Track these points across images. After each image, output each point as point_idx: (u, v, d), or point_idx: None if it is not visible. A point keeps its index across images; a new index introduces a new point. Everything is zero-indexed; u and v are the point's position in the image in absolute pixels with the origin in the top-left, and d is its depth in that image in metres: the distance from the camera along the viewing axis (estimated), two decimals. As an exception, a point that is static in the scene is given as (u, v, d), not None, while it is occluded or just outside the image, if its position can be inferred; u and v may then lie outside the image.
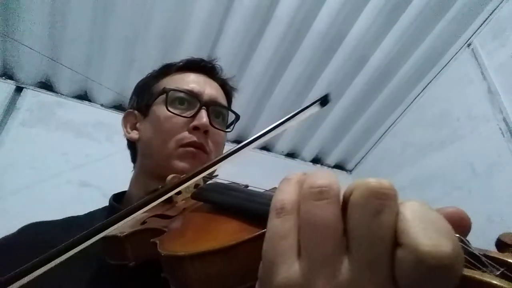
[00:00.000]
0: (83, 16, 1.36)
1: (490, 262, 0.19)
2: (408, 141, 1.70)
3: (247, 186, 0.54)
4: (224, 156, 0.35)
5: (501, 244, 0.21)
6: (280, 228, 0.20)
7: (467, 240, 0.20)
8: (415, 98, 1.71)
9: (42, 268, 0.24)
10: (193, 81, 0.66)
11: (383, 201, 0.18)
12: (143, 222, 0.41)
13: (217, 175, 0.61)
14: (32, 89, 1.55)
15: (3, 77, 1.53)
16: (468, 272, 0.18)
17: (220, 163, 0.35)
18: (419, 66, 1.60)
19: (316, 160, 2.00)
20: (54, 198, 1.33)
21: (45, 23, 1.37)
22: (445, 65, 1.58)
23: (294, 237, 0.20)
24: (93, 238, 0.27)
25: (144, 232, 0.37)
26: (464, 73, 1.47)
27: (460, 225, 0.20)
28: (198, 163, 0.58)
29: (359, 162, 2.01)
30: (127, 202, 0.63)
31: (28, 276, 0.24)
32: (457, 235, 0.18)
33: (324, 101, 0.33)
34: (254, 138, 0.36)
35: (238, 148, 0.35)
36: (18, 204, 1.29)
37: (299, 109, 0.36)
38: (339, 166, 2.04)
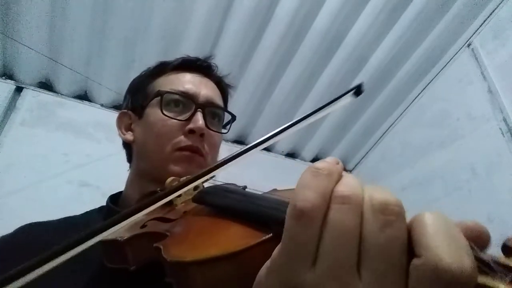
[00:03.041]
0: (83, 16, 1.36)
1: (499, 268, 0.19)
2: (408, 141, 1.70)
3: (245, 187, 0.54)
4: (231, 157, 0.35)
5: (508, 249, 0.21)
6: (302, 233, 0.20)
7: (477, 248, 0.20)
8: (415, 98, 1.71)
9: (32, 273, 0.24)
10: (188, 82, 0.65)
11: (388, 216, 0.19)
12: (143, 226, 0.40)
13: (214, 176, 0.60)
14: (32, 89, 1.55)
15: (3, 77, 1.53)
16: (480, 279, 0.18)
17: (228, 164, 0.35)
18: (419, 66, 1.60)
19: (316, 160, 2.00)
20: (54, 198, 1.33)
21: (45, 23, 1.37)
22: (445, 65, 1.58)
23: (315, 244, 0.20)
24: (88, 242, 0.27)
25: (145, 236, 0.37)
26: (464, 73, 1.47)
27: (479, 240, 0.20)
28: (194, 167, 0.58)
29: (359, 162, 2.01)
30: (123, 203, 0.63)
31: (15, 282, 0.23)
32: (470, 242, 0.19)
33: (357, 91, 0.32)
34: (281, 130, 0.35)
35: (251, 147, 0.35)
36: (18, 204, 1.29)
37: (332, 99, 0.35)
38: (339, 166, 2.04)
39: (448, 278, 0.17)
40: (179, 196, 0.47)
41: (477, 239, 0.20)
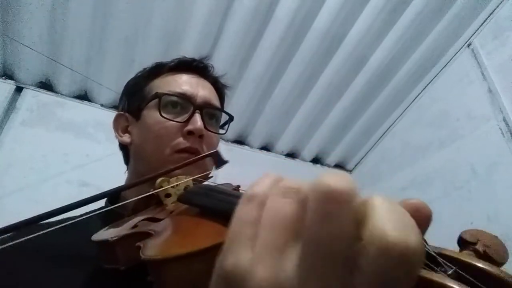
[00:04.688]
0: (83, 16, 1.36)
1: (443, 261, 0.18)
2: (408, 141, 1.70)
3: (238, 186, 0.54)
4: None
5: (462, 242, 0.21)
6: (247, 215, 0.21)
7: (423, 238, 0.19)
8: (415, 98, 1.71)
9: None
10: (185, 83, 0.65)
11: (332, 207, 0.17)
12: (135, 226, 0.41)
13: (211, 176, 0.61)
14: (32, 89, 1.55)
15: (3, 77, 1.53)
16: (423, 273, 0.17)
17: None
18: (419, 66, 1.60)
19: (316, 160, 2.00)
20: (54, 198, 1.33)
21: (45, 23, 1.37)
22: (445, 65, 1.58)
23: (255, 224, 0.20)
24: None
25: (133, 236, 0.38)
26: (464, 73, 1.47)
27: (420, 216, 0.20)
28: (192, 168, 0.58)
29: (359, 162, 2.01)
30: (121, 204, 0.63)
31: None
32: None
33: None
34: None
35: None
36: (18, 204, 1.29)
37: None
38: (339, 166, 2.04)
39: (394, 254, 0.15)
40: (169, 196, 0.47)
41: (419, 215, 0.19)
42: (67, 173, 1.44)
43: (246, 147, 1.88)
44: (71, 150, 1.48)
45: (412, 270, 0.16)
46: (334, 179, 0.18)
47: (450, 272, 0.18)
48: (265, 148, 1.92)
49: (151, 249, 0.30)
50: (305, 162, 1.98)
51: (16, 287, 0.44)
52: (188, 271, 0.26)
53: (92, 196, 0.33)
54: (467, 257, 0.19)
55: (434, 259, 0.19)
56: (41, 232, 0.30)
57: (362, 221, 0.17)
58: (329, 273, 0.17)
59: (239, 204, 0.22)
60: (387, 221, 0.17)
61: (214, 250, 0.24)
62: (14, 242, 0.25)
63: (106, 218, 0.51)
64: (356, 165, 2.03)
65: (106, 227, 0.45)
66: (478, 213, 1.19)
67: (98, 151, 1.50)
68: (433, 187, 1.44)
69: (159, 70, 0.69)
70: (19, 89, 1.54)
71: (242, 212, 0.21)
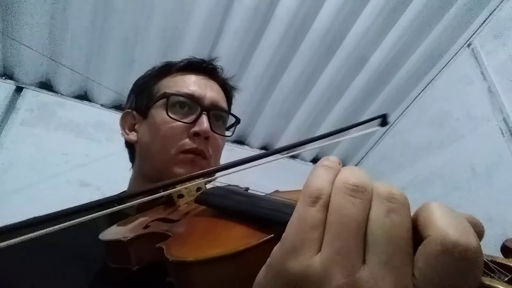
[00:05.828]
0: (83, 16, 1.36)
1: (498, 268, 0.19)
2: (408, 141, 1.70)
3: (247, 188, 0.54)
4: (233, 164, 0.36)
5: (506, 250, 0.21)
6: (313, 218, 0.21)
7: None
8: (415, 98, 1.71)
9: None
10: (194, 84, 0.65)
11: (393, 203, 0.20)
12: (146, 226, 0.40)
13: (216, 177, 0.61)
14: (32, 89, 1.55)
15: (3, 77, 1.53)
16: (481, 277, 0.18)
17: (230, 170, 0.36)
18: (419, 66, 1.59)
19: (316, 160, 2.00)
20: (54, 198, 1.33)
21: (45, 23, 1.37)
22: (445, 65, 1.58)
23: (322, 229, 0.20)
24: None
25: (148, 237, 0.37)
26: (464, 73, 1.47)
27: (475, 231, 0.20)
28: (197, 169, 0.58)
29: (359, 162, 2.01)
30: (128, 203, 0.63)
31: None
32: None
33: (383, 121, 0.34)
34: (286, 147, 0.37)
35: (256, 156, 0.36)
36: (18, 204, 1.29)
37: (354, 123, 0.38)
38: (339, 166, 2.04)
39: (456, 253, 0.16)
40: (181, 197, 0.47)
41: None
42: (67, 173, 1.44)
43: (246, 147, 1.88)
44: (71, 150, 1.48)
45: (473, 270, 0.17)
46: (387, 186, 0.21)
47: (506, 279, 0.19)
48: (265, 148, 1.92)
49: (178, 250, 0.29)
50: (305, 162, 1.98)
51: (23, 285, 0.44)
52: (217, 274, 0.25)
53: (103, 199, 0.33)
54: None
55: (488, 266, 0.19)
56: (47, 230, 0.30)
57: (420, 225, 0.19)
58: (402, 269, 0.18)
59: (301, 204, 0.22)
60: (448, 223, 0.18)
61: (247, 252, 0.24)
62: (19, 239, 0.25)
63: (111, 217, 0.51)
64: (356, 165, 2.03)
65: (112, 226, 0.45)
66: (478, 213, 1.17)
67: (98, 151, 1.50)
68: (433, 187, 1.44)
69: (168, 69, 0.69)
70: (19, 89, 1.53)
71: (306, 214, 0.21)
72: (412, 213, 0.20)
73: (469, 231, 0.18)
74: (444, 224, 0.18)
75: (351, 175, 0.21)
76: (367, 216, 0.20)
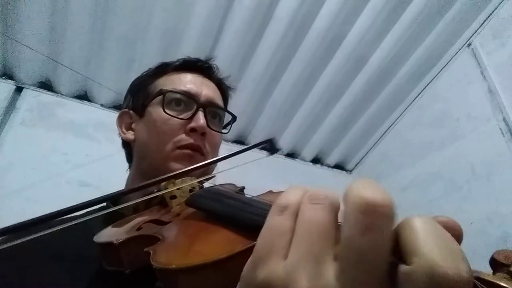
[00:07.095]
0: (83, 16, 1.36)
1: (482, 286, 0.18)
2: (408, 141, 1.70)
3: (243, 188, 0.54)
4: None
5: (495, 263, 0.20)
6: (281, 225, 0.21)
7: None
8: (415, 98, 1.71)
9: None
10: (190, 82, 0.65)
11: (373, 219, 0.17)
12: (139, 228, 0.40)
13: (214, 176, 0.61)
14: (32, 89, 1.55)
15: (3, 77, 1.53)
16: None
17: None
18: (419, 66, 1.59)
19: (316, 160, 2.00)
20: (54, 198, 1.33)
21: (45, 23, 1.37)
22: (445, 65, 1.58)
23: (289, 237, 0.20)
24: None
25: (139, 239, 0.37)
26: (464, 73, 1.47)
27: (454, 235, 0.19)
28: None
29: (359, 162, 2.01)
30: (123, 203, 0.63)
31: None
32: None
33: (271, 148, 0.35)
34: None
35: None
36: (18, 204, 1.29)
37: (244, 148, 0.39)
38: (339, 166, 2.04)
39: (445, 285, 0.15)
40: (174, 197, 0.47)
41: (452, 234, 0.19)
42: (67, 173, 1.44)
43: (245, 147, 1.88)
44: (71, 150, 1.48)
45: None
46: (371, 190, 0.18)
47: None
48: (265, 148, 1.92)
49: (163, 257, 0.29)
50: (305, 162, 1.98)
51: (18, 286, 0.44)
52: (201, 280, 0.26)
53: (96, 199, 0.33)
54: (503, 281, 0.19)
55: (475, 285, 0.18)
56: (43, 232, 0.30)
57: (402, 243, 0.17)
58: (370, 286, 0.17)
59: (270, 214, 0.22)
60: (435, 249, 0.16)
61: (231, 259, 0.25)
62: (16, 242, 0.26)
63: (107, 217, 0.51)
64: (356, 165, 2.03)
65: (108, 227, 0.45)
66: (478, 213, 1.19)
67: (98, 151, 1.49)
68: (433, 187, 1.44)
69: (164, 69, 0.69)
70: (19, 89, 1.53)
71: (275, 222, 0.21)
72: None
73: (458, 257, 0.16)
74: (430, 249, 0.16)
75: (320, 189, 0.22)
76: (336, 226, 0.20)
